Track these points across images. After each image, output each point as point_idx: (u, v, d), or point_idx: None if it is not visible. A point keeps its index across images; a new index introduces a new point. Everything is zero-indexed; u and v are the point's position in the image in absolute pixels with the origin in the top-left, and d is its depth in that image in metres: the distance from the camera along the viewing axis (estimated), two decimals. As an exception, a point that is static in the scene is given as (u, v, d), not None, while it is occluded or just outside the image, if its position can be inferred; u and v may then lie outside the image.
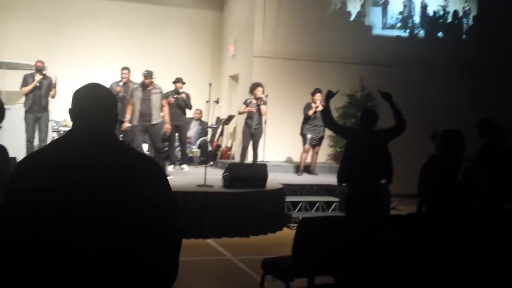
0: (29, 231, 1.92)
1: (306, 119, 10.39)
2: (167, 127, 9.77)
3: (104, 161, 1.99)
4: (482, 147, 6.24)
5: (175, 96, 10.49)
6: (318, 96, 10.21)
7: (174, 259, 2.08)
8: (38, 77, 9.42)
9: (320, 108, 10.07)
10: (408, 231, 4.65)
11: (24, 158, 2.12)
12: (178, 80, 10.62)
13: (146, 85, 9.59)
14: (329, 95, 6.26)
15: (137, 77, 10.00)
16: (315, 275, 4.78)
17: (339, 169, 6.02)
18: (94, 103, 2.09)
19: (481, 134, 6.25)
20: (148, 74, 9.73)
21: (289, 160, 12.04)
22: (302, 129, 10.49)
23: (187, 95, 10.60)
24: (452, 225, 4.58)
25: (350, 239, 4.53)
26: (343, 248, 4.50)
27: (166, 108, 9.89)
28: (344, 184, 6.09)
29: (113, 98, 2.19)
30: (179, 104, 10.52)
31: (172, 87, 10.68)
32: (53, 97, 9.69)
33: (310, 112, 10.27)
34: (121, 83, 9.85)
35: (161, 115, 9.60)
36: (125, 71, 10.15)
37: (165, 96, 10.50)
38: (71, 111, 2.12)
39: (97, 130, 2.05)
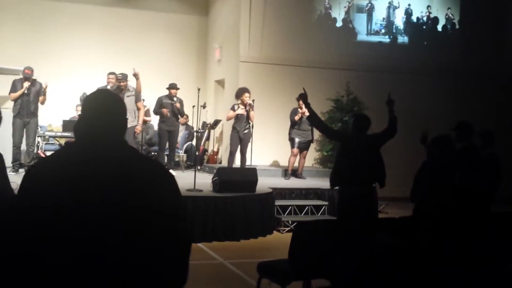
0: (37, 243, 1.91)
1: (293, 124, 10.48)
2: (138, 128, 9.80)
3: (114, 169, 1.99)
4: (460, 151, 6.24)
5: (170, 102, 10.46)
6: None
7: (184, 265, 2.10)
8: (26, 84, 9.34)
9: (307, 113, 10.17)
10: (402, 235, 4.73)
11: (32, 168, 2.11)
12: (172, 86, 10.56)
13: (121, 89, 9.57)
14: (304, 98, 6.28)
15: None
16: (312, 278, 4.83)
17: (331, 173, 6.09)
18: (103, 109, 2.10)
19: (458, 138, 6.19)
20: (123, 77, 9.70)
21: (276, 164, 12.11)
22: (290, 133, 10.57)
23: (181, 102, 10.59)
24: (447, 230, 4.67)
25: (345, 242, 4.59)
26: (339, 252, 4.55)
27: (141, 111, 9.93)
28: (336, 188, 6.16)
29: (122, 104, 2.20)
30: (173, 111, 10.49)
31: (164, 92, 10.67)
32: (42, 103, 9.59)
33: (296, 118, 10.36)
34: (108, 86, 9.85)
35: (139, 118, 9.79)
36: (111, 76, 10.14)
37: (159, 101, 10.50)
38: (81, 118, 2.14)
39: (106, 136, 2.06)
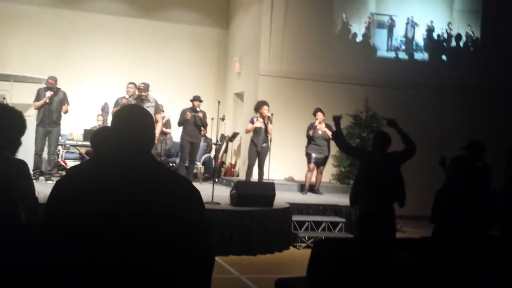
0: (66, 253, 1.95)
1: (310, 139, 10.49)
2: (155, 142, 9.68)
3: (141, 182, 2.03)
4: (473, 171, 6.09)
5: (193, 113, 10.47)
6: (319, 115, 10.37)
7: (207, 278, 2.13)
8: (48, 93, 9.44)
9: (321, 126, 10.26)
10: (422, 255, 4.71)
11: (61, 179, 2.16)
12: (195, 98, 10.58)
13: (142, 99, 9.49)
14: (337, 120, 6.30)
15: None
16: (330, 296, 4.81)
17: (352, 190, 6.08)
18: (132, 125, 2.14)
19: (470, 158, 6.02)
20: (145, 87, 9.61)
21: (293, 179, 12.09)
22: (306, 148, 10.58)
23: (204, 114, 10.60)
24: (462, 253, 4.63)
25: (364, 261, 4.58)
26: (358, 270, 4.54)
27: (159, 123, 9.78)
28: (356, 206, 6.15)
29: (151, 120, 2.24)
30: (196, 122, 10.51)
31: (184, 102, 10.69)
32: (65, 112, 9.68)
33: (310, 133, 10.39)
34: (127, 96, 9.89)
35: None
36: (130, 85, 10.13)
37: (183, 113, 10.51)
38: (110, 131, 2.18)
39: (134, 149, 2.10)
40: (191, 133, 10.48)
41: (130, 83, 10.22)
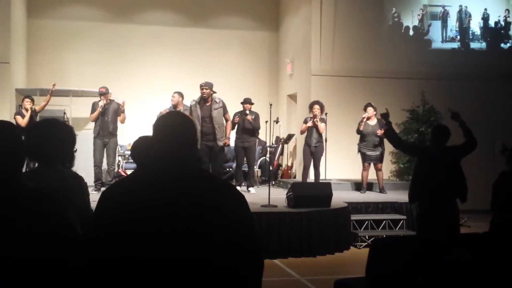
0: (117, 250, 1.99)
1: (361, 136, 10.30)
2: (226, 141, 9.46)
3: (186, 185, 2.06)
4: None
5: (242, 116, 10.29)
6: (368, 110, 10.17)
7: (258, 280, 2.14)
8: (101, 102, 9.64)
9: (372, 120, 10.07)
10: (485, 251, 4.54)
11: (111, 185, 2.23)
12: (246, 101, 10.39)
13: (205, 98, 9.13)
14: (386, 117, 6.19)
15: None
16: (390, 296, 4.70)
17: (410, 187, 5.93)
18: (174, 131, 2.15)
19: None
20: (208, 85, 9.15)
21: (350, 178, 11.93)
22: (359, 146, 10.40)
23: (256, 115, 10.38)
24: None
25: (424, 260, 4.46)
26: (417, 269, 4.42)
27: (229, 123, 9.54)
28: (415, 203, 6.00)
29: (192, 126, 2.25)
30: (246, 126, 10.35)
31: (238, 108, 10.59)
32: (122, 122, 9.84)
33: (360, 127, 10.17)
34: (169, 106, 9.85)
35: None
36: (175, 94, 9.98)
37: (234, 116, 10.39)
38: (152, 140, 2.20)
39: (177, 156, 2.11)
40: (242, 138, 10.35)
41: (175, 92, 10.09)
